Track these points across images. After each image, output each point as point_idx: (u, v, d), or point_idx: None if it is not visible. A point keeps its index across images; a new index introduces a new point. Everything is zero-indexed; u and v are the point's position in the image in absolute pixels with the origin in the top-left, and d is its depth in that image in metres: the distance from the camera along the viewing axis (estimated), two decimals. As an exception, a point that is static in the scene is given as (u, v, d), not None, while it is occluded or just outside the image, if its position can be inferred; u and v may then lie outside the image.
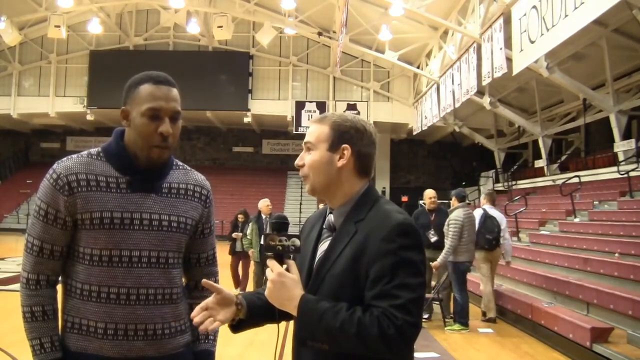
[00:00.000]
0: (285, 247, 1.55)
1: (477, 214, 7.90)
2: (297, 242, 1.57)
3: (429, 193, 8.05)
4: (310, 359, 1.55)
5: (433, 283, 7.97)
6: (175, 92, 1.74)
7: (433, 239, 7.69)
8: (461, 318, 7.29)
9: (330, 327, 1.43)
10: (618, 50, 12.82)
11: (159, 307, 1.73)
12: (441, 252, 7.61)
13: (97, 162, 1.72)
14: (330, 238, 1.60)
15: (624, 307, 5.81)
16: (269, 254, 1.56)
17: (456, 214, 7.28)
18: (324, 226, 1.66)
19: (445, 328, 7.37)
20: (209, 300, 1.57)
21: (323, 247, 1.61)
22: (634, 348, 5.30)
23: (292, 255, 1.60)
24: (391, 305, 1.41)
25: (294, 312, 1.48)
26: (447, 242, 7.16)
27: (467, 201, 8.72)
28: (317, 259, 1.61)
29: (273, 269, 1.52)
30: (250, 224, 8.90)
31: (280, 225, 1.60)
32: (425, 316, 7.72)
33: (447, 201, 9.60)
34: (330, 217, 1.63)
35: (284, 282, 1.50)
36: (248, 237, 8.87)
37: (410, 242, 1.47)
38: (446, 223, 7.35)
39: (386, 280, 1.44)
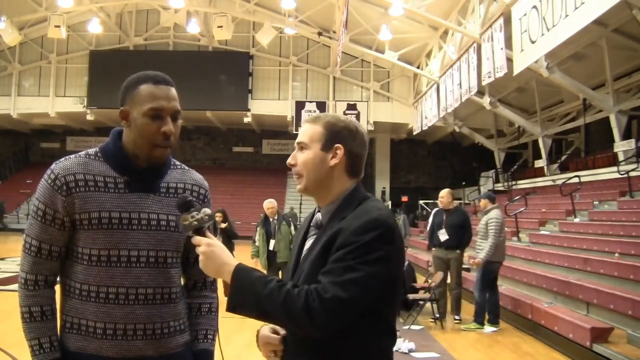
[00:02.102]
0: (200, 220, 1.56)
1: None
2: (208, 210, 1.59)
3: (441, 193, 8.12)
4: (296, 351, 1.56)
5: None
6: (174, 91, 1.75)
7: (443, 238, 7.70)
8: (478, 317, 7.35)
9: (258, 295, 1.44)
10: (618, 50, 12.82)
11: (157, 307, 1.73)
12: (453, 251, 7.70)
13: (95, 162, 1.73)
14: (315, 235, 1.63)
15: (624, 307, 5.81)
16: (190, 234, 1.57)
17: (495, 214, 7.39)
18: (311, 224, 1.69)
19: (462, 326, 7.48)
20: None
21: (308, 243, 1.64)
22: (634, 348, 5.30)
23: (217, 226, 1.61)
24: (330, 281, 1.43)
25: (229, 278, 1.49)
26: (489, 240, 7.20)
27: (463, 202, 8.76)
28: (302, 255, 1.64)
29: (200, 242, 1.54)
30: (257, 229, 8.09)
31: (184, 204, 1.61)
32: (437, 316, 7.73)
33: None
34: (318, 216, 1.67)
35: (214, 250, 1.52)
36: (256, 244, 8.03)
37: (376, 235, 1.47)
38: (483, 222, 7.43)
39: (339, 261, 1.46)
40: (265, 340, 1.64)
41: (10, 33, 21.69)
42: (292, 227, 7.94)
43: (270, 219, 8.00)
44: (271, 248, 7.86)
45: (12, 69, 25.78)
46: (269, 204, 8.08)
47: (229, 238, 8.71)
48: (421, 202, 23.65)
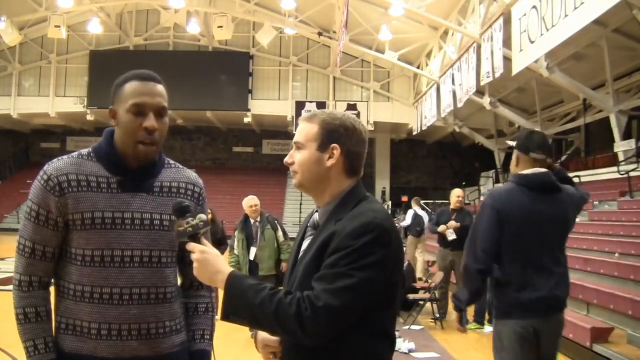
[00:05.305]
0: (195, 226, 1.55)
1: (409, 213, 12.17)
2: (203, 216, 1.58)
3: (457, 192, 8.06)
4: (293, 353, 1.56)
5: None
6: (160, 88, 1.73)
7: (450, 237, 7.64)
8: (478, 317, 7.35)
9: (250, 304, 1.43)
10: (618, 50, 12.81)
11: (152, 307, 1.72)
12: (460, 252, 7.67)
13: (88, 162, 1.72)
14: (312, 236, 1.61)
15: (624, 307, 5.80)
16: (185, 239, 1.56)
17: None
18: (308, 224, 1.68)
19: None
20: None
21: (305, 244, 1.63)
22: (634, 348, 5.30)
23: (209, 231, 1.62)
24: (323, 289, 1.41)
25: (222, 287, 1.49)
26: None
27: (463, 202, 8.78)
28: (299, 256, 1.62)
29: (194, 249, 1.53)
30: (235, 233, 6.59)
31: (179, 210, 1.60)
32: (437, 316, 7.71)
33: (446, 201, 9.60)
34: (315, 216, 1.65)
35: (207, 258, 1.51)
36: (235, 252, 6.54)
37: (370, 238, 1.45)
38: None
39: (332, 267, 1.44)
40: (265, 343, 1.63)
41: (10, 33, 21.66)
42: (280, 232, 6.51)
43: (252, 221, 6.52)
44: (251, 257, 6.44)
45: (12, 69, 25.75)
46: (252, 202, 6.52)
47: (220, 241, 8.25)
48: (421, 202, 23.64)
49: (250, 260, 6.44)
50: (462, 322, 3.33)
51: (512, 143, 3.05)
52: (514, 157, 3.01)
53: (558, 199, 2.93)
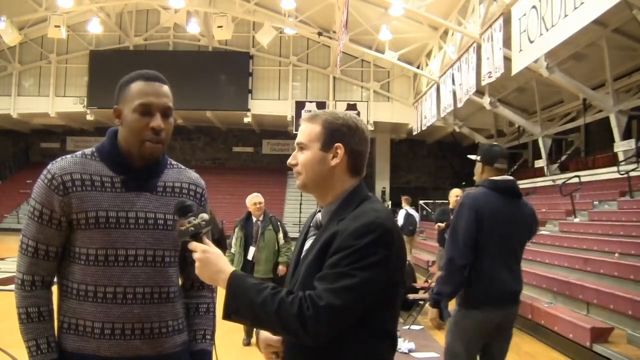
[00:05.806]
0: (197, 225, 1.55)
1: (401, 213, 12.26)
2: (205, 215, 1.58)
3: (455, 192, 8.07)
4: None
5: None
6: (166, 88, 1.74)
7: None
8: None
9: (252, 303, 1.44)
10: (618, 50, 12.80)
11: (155, 306, 1.73)
12: None
13: (92, 162, 1.73)
14: (315, 236, 1.61)
15: (624, 307, 5.81)
16: (187, 239, 1.56)
17: None
18: (311, 224, 1.68)
19: None
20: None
21: (308, 244, 1.63)
22: (634, 348, 5.30)
23: (210, 231, 1.62)
24: (325, 288, 1.42)
25: (224, 286, 1.49)
26: None
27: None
28: (302, 255, 1.63)
29: (196, 248, 1.53)
30: (235, 231, 6.35)
31: (181, 209, 1.60)
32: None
33: (446, 201, 9.59)
34: (318, 216, 1.65)
35: (209, 257, 1.52)
36: (233, 251, 6.28)
37: (372, 238, 1.45)
38: None
39: (334, 267, 1.44)
40: (267, 342, 1.64)
41: (10, 33, 21.66)
42: (281, 234, 6.26)
43: (254, 219, 6.26)
44: (250, 257, 6.19)
45: (12, 69, 25.74)
46: (256, 199, 6.22)
47: (218, 242, 8.21)
48: (421, 202, 23.65)
49: (247, 260, 6.22)
50: (443, 316, 3.50)
51: (476, 157, 3.41)
52: (478, 166, 3.41)
53: (522, 204, 3.38)
